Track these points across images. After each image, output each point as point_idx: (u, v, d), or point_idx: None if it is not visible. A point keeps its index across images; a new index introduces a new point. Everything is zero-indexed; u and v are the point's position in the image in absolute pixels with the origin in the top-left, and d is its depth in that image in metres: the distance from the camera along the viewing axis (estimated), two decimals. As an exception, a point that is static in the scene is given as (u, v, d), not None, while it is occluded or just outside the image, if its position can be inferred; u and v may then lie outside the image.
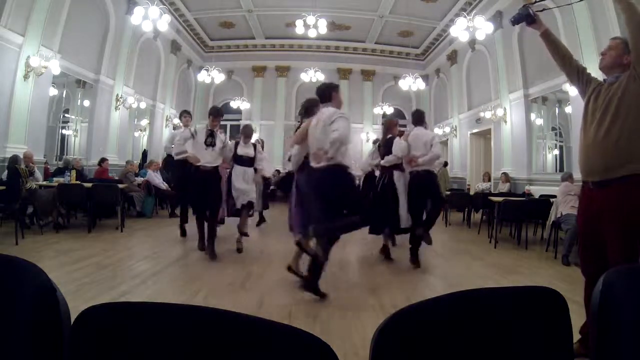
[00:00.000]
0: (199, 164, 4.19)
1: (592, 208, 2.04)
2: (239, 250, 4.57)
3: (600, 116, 1.96)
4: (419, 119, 4.48)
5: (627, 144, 1.87)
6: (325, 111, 3.08)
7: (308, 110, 3.45)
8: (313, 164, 3.04)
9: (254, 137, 5.40)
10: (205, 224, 4.31)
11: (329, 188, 2.97)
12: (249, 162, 4.70)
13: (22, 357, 0.59)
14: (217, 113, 4.40)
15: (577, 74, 2.14)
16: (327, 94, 3.18)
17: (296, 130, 3.56)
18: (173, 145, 5.16)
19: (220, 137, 4.40)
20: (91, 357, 0.55)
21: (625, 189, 1.89)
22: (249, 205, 4.68)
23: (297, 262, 3.29)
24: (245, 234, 4.79)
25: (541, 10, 2.22)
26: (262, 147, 5.62)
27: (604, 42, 5.85)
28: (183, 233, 5.34)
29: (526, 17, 2.13)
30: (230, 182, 4.59)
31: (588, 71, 2.15)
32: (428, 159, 4.15)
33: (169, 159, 6.40)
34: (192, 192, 4.37)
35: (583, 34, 6.41)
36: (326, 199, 2.97)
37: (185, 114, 5.60)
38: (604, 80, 2.06)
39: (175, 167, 5.21)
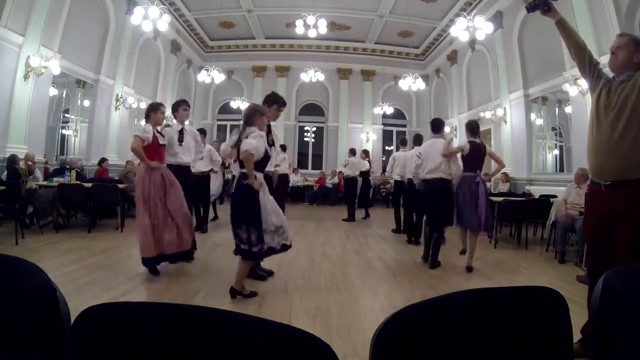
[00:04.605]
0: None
1: (603, 210, 1.99)
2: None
3: (615, 115, 1.92)
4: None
5: None
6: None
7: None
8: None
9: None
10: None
11: None
12: None
13: (22, 357, 0.59)
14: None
15: (589, 66, 2.12)
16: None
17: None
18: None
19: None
20: (91, 357, 0.55)
21: None
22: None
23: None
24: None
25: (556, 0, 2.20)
26: None
27: (604, 42, 5.94)
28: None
29: (543, 5, 2.14)
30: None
31: (600, 66, 2.13)
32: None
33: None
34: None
35: (583, 34, 6.39)
36: None
37: (184, 105, 4.28)
38: (613, 77, 2.04)
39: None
